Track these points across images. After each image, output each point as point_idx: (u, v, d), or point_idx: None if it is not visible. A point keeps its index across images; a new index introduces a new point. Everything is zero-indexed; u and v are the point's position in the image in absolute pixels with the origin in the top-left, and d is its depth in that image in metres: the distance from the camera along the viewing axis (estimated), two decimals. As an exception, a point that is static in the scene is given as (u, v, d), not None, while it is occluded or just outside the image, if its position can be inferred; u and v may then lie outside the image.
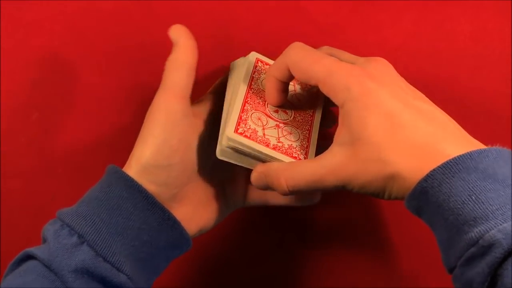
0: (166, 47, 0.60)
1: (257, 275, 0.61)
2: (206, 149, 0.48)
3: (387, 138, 0.40)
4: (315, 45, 0.59)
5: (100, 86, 0.59)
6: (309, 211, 0.60)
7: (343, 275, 0.61)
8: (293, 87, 0.50)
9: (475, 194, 0.36)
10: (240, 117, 0.46)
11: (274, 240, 0.61)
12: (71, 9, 0.59)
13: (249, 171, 0.47)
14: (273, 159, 0.45)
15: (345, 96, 0.42)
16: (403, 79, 0.46)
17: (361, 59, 0.47)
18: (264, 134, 0.46)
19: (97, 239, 0.41)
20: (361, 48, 0.59)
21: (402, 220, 0.59)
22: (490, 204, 0.36)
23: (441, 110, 0.44)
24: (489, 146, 0.40)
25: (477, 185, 0.36)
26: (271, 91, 0.47)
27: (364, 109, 0.41)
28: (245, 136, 0.45)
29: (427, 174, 0.38)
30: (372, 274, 0.60)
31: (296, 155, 0.46)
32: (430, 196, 0.38)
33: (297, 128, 0.48)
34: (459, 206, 0.36)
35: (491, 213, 0.35)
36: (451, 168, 0.38)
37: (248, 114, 0.46)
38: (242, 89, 0.47)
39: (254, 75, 0.49)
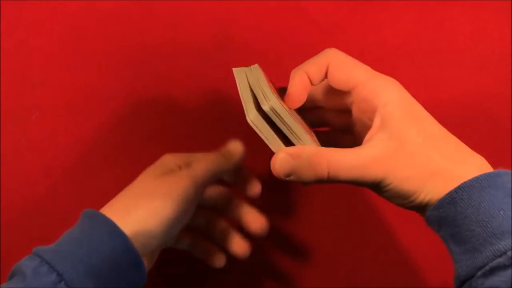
0: (166, 47, 0.60)
1: (257, 275, 0.61)
2: None
3: (429, 141, 0.43)
4: (315, 45, 0.59)
5: (100, 86, 0.59)
6: (309, 211, 0.60)
7: (343, 275, 0.61)
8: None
9: (503, 209, 0.39)
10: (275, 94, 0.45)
11: (273, 240, 0.61)
12: (71, 9, 0.59)
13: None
14: (303, 142, 0.44)
15: (387, 98, 0.43)
16: None
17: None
18: (293, 119, 0.45)
19: (74, 278, 0.43)
20: (361, 48, 0.59)
21: (402, 220, 0.59)
22: None
23: None
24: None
25: (505, 202, 0.39)
26: (298, 89, 0.46)
27: (407, 112, 0.43)
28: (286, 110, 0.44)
29: (457, 186, 0.40)
30: (372, 274, 0.61)
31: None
32: (458, 207, 0.40)
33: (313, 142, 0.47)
34: (487, 220, 0.39)
35: None
36: (481, 182, 0.40)
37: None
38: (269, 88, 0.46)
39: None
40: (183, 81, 0.59)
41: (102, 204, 0.59)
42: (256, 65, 0.49)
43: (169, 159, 0.52)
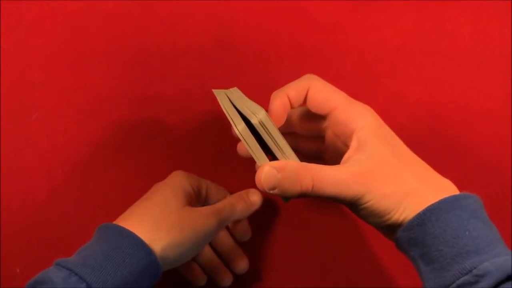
0: (166, 47, 0.60)
1: (255, 275, 0.61)
2: None
3: (404, 164, 0.45)
4: (315, 45, 0.59)
5: (100, 86, 0.59)
6: (308, 211, 0.60)
7: (343, 275, 0.61)
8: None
9: (469, 230, 0.41)
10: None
11: (273, 240, 0.61)
12: (71, 9, 0.59)
13: None
14: (287, 157, 0.46)
15: (363, 122, 0.46)
16: None
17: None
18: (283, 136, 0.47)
19: None
20: (361, 48, 0.59)
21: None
22: (482, 241, 0.41)
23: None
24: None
25: (470, 223, 0.42)
26: (278, 109, 0.48)
27: (382, 136, 0.46)
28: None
29: (426, 208, 0.43)
30: (372, 274, 0.61)
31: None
32: (427, 228, 0.42)
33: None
34: (454, 240, 0.41)
35: (482, 249, 0.41)
36: (448, 204, 0.42)
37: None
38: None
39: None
40: (183, 81, 0.59)
41: (102, 204, 0.59)
42: (235, 88, 0.50)
43: (184, 182, 0.54)
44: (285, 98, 0.48)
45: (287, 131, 0.52)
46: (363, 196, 0.43)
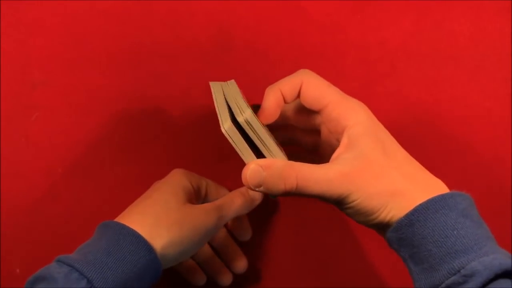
0: (166, 47, 0.60)
1: (254, 274, 0.61)
2: None
3: (393, 163, 0.45)
4: (315, 45, 0.59)
5: (100, 86, 0.59)
6: (308, 211, 0.60)
7: (343, 275, 0.61)
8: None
9: (456, 229, 0.41)
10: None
11: (273, 240, 0.61)
12: (71, 9, 0.59)
13: None
14: (273, 155, 0.46)
15: (355, 120, 0.45)
16: None
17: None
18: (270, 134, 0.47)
19: (103, 285, 0.45)
20: (361, 48, 0.59)
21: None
22: (470, 239, 0.41)
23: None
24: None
25: (458, 222, 0.42)
26: (272, 105, 0.48)
27: (374, 134, 0.45)
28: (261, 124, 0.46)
29: (413, 208, 0.43)
30: (371, 274, 0.61)
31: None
32: (415, 228, 0.42)
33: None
34: (442, 240, 0.41)
35: (471, 248, 0.41)
36: (436, 204, 0.42)
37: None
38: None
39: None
40: (183, 81, 0.59)
41: (102, 204, 0.59)
42: (233, 80, 0.50)
43: (184, 180, 0.54)
44: (278, 93, 0.48)
45: (284, 124, 0.52)
46: (348, 196, 0.43)
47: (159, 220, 0.50)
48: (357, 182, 0.43)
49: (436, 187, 0.44)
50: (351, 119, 0.46)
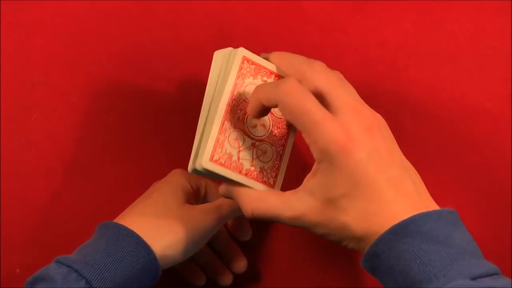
0: (166, 47, 0.60)
1: (254, 274, 0.61)
2: None
3: (351, 205, 0.43)
4: (315, 45, 0.59)
5: (100, 86, 0.59)
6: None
7: (342, 275, 0.61)
8: None
9: (419, 257, 0.40)
10: (217, 140, 0.46)
11: (273, 240, 0.61)
12: (71, 9, 0.59)
13: None
14: (244, 185, 0.47)
15: (324, 155, 0.42)
16: (384, 135, 0.45)
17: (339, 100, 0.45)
18: (238, 158, 0.47)
19: (102, 286, 0.46)
20: (361, 48, 0.59)
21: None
22: (433, 267, 0.40)
23: (412, 171, 0.45)
24: (440, 208, 0.43)
25: (421, 249, 0.40)
26: (254, 111, 0.46)
27: (339, 172, 0.42)
28: (220, 164, 0.46)
29: (377, 239, 0.42)
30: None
31: (266, 179, 0.47)
32: (381, 260, 0.42)
33: (272, 145, 0.48)
34: (406, 270, 0.41)
35: (434, 276, 0.40)
36: (397, 233, 0.41)
37: (226, 134, 0.46)
38: (223, 102, 0.46)
39: (238, 81, 0.47)
40: (183, 81, 0.59)
41: (102, 204, 0.59)
42: (242, 48, 0.47)
43: (183, 180, 0.54)
44: (259, 104, 0.45)
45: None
46: (307, 229, 0.45)
47: (158, 220, 0.50)
48: (314, 221, 0.44)
49: (400, 212, 0.42)
50: (320, 153, 0.43)
